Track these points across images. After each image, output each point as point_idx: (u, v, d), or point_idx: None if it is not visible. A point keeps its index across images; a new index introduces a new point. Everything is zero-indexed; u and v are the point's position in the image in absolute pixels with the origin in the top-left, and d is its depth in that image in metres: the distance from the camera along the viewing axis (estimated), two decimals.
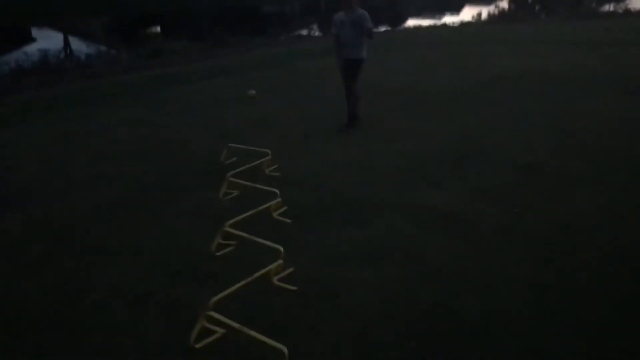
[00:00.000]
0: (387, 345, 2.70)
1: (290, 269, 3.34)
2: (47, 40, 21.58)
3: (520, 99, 7.50)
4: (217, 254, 3.61)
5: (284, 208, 4.20)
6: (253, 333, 2.65)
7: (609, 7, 24.58)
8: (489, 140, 5.76)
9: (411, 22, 23.16)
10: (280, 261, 3.26)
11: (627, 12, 21.01)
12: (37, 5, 31.18)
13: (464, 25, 19.93)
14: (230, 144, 5.44)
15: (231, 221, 3.76)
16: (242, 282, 3.01)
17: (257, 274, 3.12)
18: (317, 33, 21.56)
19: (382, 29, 21.92)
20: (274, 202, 4.14)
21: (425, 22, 21.91)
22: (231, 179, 4.60)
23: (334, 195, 4.52)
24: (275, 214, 4.11)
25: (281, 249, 3.35)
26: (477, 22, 21.20)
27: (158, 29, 27.99)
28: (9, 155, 6.01)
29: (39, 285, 3.40)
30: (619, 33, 13.73)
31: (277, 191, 4.27)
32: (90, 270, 3.56)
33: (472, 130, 6.13)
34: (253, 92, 7.77)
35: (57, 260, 3.70)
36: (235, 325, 2.71)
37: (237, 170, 4.80)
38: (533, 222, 3.92)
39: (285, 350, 2.51)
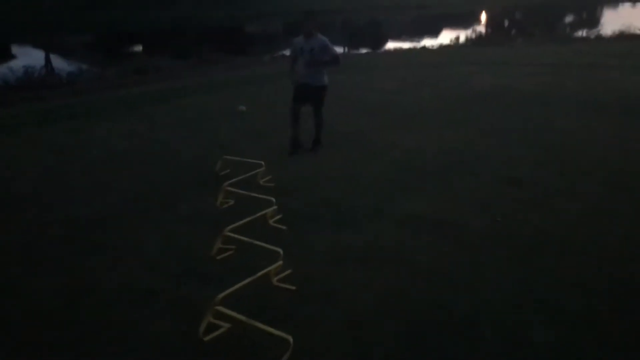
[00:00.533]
0: (383, 338, 2.91)
1: (289, 271, 3.54)
2: (26, 57, 21.54)
3: (499, 115, 7.86)
4: (218, 257, 3.79)
5: (279, 216, 4.40)
6: (259, 324, 2.83)
7: (581, 33, 25.57)
8: (471, 154, 6.06)
9: (391, 45, 23.74)
10: (280, 262, 3.46)
11: (599, 37, 21.93)
12: (17, 23, 31.15)
13: (443, 47, 20.52)
14: (225, 156, 5.63)
15: (231, 227, 3.95)
16: (246, 280, 3.20)
17: (259, 274, 3.30)
18: None
19: (364, 50, 22.52)
20: (270, 209, 4.34)
21: (405, 45, 22.52)
22: (228, 188, 4.79)
23: (326, 204, 4.74)
24: (271, 221, 4.31)
25: (280, 251, 3.55)
26: (455, 45, 21.83)
27: (140, 47, 28.17)
28: (5, 165, 6.11)
29: (47, 284, 3.54)
30: (590, 56, 14.35)
31: (273, 199, 4.47)
32: (95, 271, 3.70)
33: (454, 145, 6.43)
34: (243, 107, 7.99)
35: (62, 262, 3.83)
36: (242, 317, 2.89)
37: (233, 180, 4.99)
38: (514, 228, 4.19)
39: (291, 339, 2.70)
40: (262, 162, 5.41)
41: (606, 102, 8.56)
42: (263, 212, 4.28)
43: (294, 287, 3.39)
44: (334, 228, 4.26)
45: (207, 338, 2.90)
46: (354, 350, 2.82)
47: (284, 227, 4.25)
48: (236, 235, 3.85)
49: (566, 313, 3.08)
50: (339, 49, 23.05)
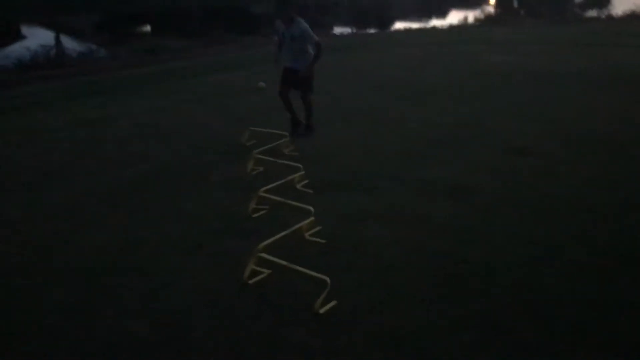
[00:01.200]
0: (407, 281, 3.26)
1: (319, 227, 3.89)
2: (35, 38, 21.76)
3: (508, 91, 8.17)
4: (254, 215, 4.16)
5: (306, 181, 4.75)
6: (299, 268, 3.20)
7: (592, 13, 25.56)
8: (482, 126, 6.39)
9: (399, 25, 23.85)
10: (312, 218, 3.81)
11: (609, 17, 21.95)
12: (26, 3, 31.29)
13: (452, 27, 20.65)
14: (250, 127, 5.97)
15: (264, 188, 4.31)
16: (283, 233, 3.56)
17: (294, 227, 3.67)
18: None
19: (371, 31, 22.66)
20: (297, 174, 4.69)
21: (414, 25, 22.62)
22: (257, 155, 5.15)
23: (346, 171, 5.10)
24: (298, 185, 4.66)
25: (311, 209, 3.90)
26: (464, 25, 21.93)
27: (148, 27, 28.36)
28: (41, 137, 6.47)
29: (100, 239, 3.91)
30: (598, 36, 14.54)
31: (300, 166, 4.82)
32: (140, 228, 4.07)
33: (466, 118, 6.76)
34: (262, 84, 8.29)
35: (108, 221, 4.21)
36: (283, 262, 3.25)
37: (261, 148, 5.34)
38: (523, 192, 4.54)
39: (328, 280, 3.06)
40: (287, 133, 5.75)
41: (611, 78, 8.85)
42: (292, 176, 4.63)
43: (324, 241, 3.75)
44: (354, 192, 4.61)
45: (251, 281, 3.27)
46: (382, 291, 3.18)
47: (310, 191, 4.60)
48: (270, 195, 4.21)
49: (572, 262, 3.42)
50: (346, 30, 23.25)
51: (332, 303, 3.01)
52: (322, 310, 2.96)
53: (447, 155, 5.46)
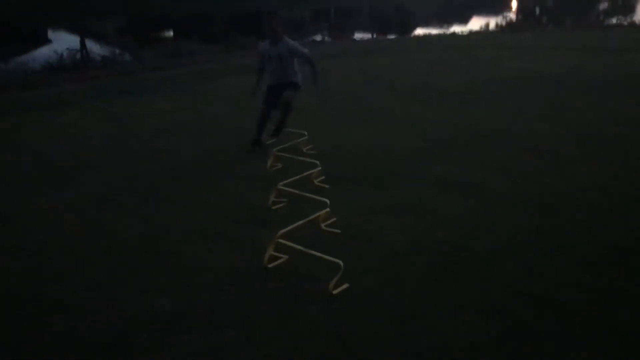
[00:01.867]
0: (416, 267, 3.48)
1: (335, 218, 4.12)
2: (61, 42, 22.41)
3: (524, 95, 8.33)
4: (273, 207, 4.41)
5: (323, 177, 4.99)
6: (314, 252, 3.43)
7: (615, 20, 25.44)
8: (496, 127, 6.57)
9: (420, 31, 24.02)
10: (327, 209, 4.05)
11: (632, 24, 21.83)
12: (53, 8, 32.22)
13: (472, 33, 20.78)
14: (271, 127, 6.22)
15: (283, 182, 4.56)
16: (301, 222, 3.79)
17: (311, 217, 3.91)
18: (326, 39, 22.44)
19: (391, 36, 22.89)
20: (315, 170, 4.93)
21: (434, 31, 22.78)
22: (277, 153, 5.41)
23: (362, 168, 5.33)
24: (316, 181, 4.90)
25: (327, 201, 4.13)
26: (485, 32, 22.04)
27: (170, 32, 29.00)
28: (71, 134, 6.82)
29: (131, 226, 4.20)
30: (619, 42, 14.55)
31: (317, 162, 5.07)
32: (168, 217, 4.34)
33: (481, 120, 6.95)
34: None
35: (138, 210, 4.49)
36: (300, 247, 3.49)
37: (281, 146, 5.60)
38: (531, 188, 4.73)
39: (341, 263, 3.28)
40: (305, 132, 6.00)
41: (630, 84, 8.93)
42: (309, 172, 4.87)
43: (339, 231, 3.98)
44: (369, 187, 4.84)
45: (270, 265, 3.51)
46: (391, 275, 3.39)
47: (326, 186, 4.84)
48: (288, 189, 4.45)
49: (577, 257, 3.58)
50: (367, 35, 23.52)
51: (345, 285, 3.24)
52: (335, 292, 3.18)
53: (461, 154, 5.66)
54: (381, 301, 3.12)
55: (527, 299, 3.10)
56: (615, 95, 8.19)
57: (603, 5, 37.73)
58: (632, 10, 30.60)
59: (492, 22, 25.18)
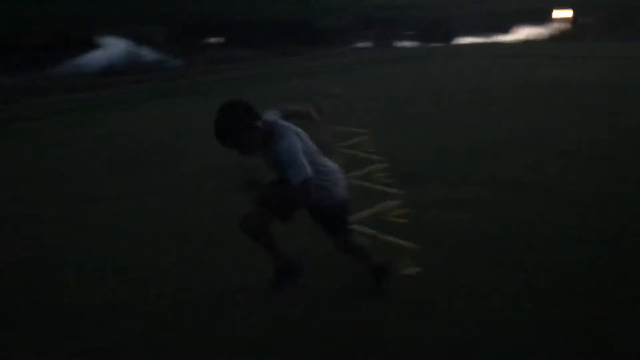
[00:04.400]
0: (478, 257, 3.72)
1: (403, 210, 4.39)
2: (112, 46, 23.38)
3: (561, 101, 8.52)
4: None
5: (385, 173, 5.26)
6: (387, 236, 3.72)
7: None
8: (535, 131, 6.82)
9: (463, 40, 24.12)
10: (397, 201, 4.32)
11: None
12: (104, 14, 33.57)
13: (515, 42, 20.77)
14: (332, 126, 6.55)
15: (351, 174, 4.85)
16: (373, 209, 4.08)
17: (380, 205, 4.19)
18: (372, 46, 22.79)
19: (434, 45, 23.08)
20: (378, 165, 5.22)
21: (477, 40, 22.85)
22: (341, 150, 5.72)
23: (420, 166, 5.59)
24: (379, 175, 5.17)
25: (396, 192, 4.41)
26: (528, 41, 21.98)
27: (215, 39, 29.87)
28: (128, 132, 7.34)
29: (192, 212, 4.65)
30: None
31: (381, 159, 5.36)
32: (226, 205, 4.54)
33: (520, 124, 7.22)
34: (337, 89, 8.91)
35: (198, 199, 4.92)
36: (374, 232, 3.77)
37: (344, 143, 5.91)
38: (571, 186, 4.94)
39: (412, 245, 3.55)
40: (365, 131, 6.30)
41: None
42: (372, 166, 5.17)
43: (406, 221, 4.24)
44: (427, 184, 5.10)
45: None
46: (457, 261, 3.64)
47: (390, 181, 5.11)
48: (359, 181, 4.76)
49: (612, 248, 3.76)
50: (410, 44, 23.73)
51: (417, 269, 3.50)
52: (407, 272, 3.44)
53: (505, 155, 5.88)
54: (449, 283, 3.39)
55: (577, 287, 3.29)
56: None
57: None
58: None
59: (536, 32, 25.07)
